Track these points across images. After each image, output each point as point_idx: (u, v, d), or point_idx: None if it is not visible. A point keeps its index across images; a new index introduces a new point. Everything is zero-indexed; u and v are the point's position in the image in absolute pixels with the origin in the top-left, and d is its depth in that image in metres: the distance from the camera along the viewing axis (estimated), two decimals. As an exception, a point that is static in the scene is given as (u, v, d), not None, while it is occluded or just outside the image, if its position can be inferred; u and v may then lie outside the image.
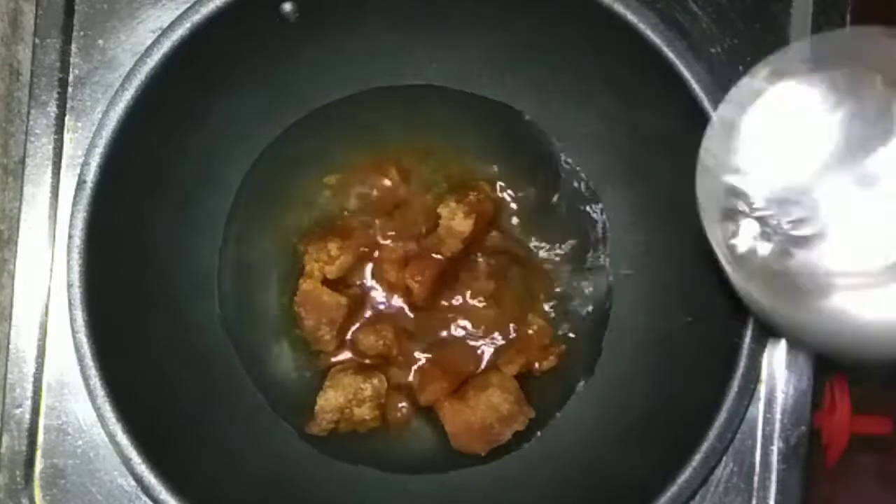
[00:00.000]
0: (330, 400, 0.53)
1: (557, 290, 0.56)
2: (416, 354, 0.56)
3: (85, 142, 0.47)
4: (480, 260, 0.56)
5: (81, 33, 0.48)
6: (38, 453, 0.47)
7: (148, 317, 0.50)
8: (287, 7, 0.49)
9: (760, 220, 0.33)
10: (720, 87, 0.47)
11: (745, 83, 0.35)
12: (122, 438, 0.45)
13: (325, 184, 0.56)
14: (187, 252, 0.53)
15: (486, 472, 0.53)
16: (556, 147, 0.56)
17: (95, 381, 0.45)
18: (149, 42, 0.47)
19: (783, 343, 0.47)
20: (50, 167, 0.47)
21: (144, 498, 0.46)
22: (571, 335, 0.55)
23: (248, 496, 0.49)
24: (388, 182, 0.56)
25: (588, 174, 0.55)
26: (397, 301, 0.56)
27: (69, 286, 0.46)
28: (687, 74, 0.46)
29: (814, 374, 0.47)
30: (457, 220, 0.54)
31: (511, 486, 0.53)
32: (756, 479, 0.46)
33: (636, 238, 0.54)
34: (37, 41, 0.47)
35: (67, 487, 0.46)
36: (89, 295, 0.46)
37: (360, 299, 0.56)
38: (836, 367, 0.51)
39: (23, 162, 0.47)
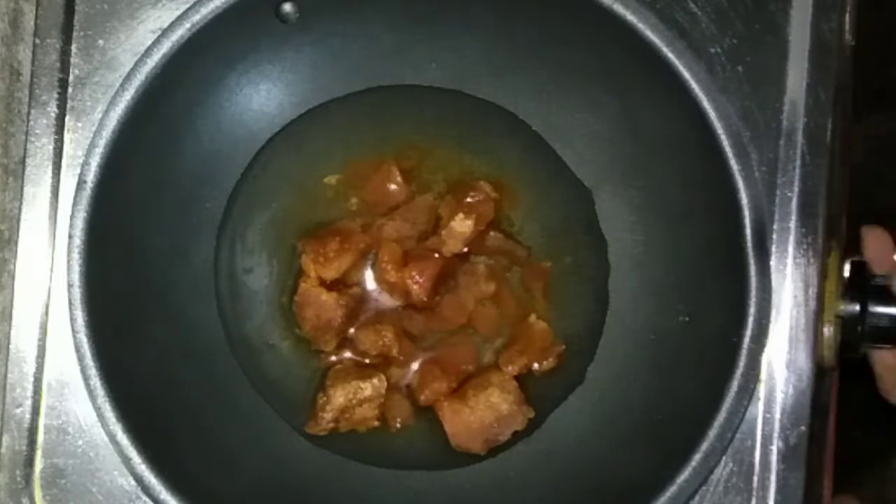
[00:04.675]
0: (330, 399, 0.53)
1: (557, 290, 0.56)
2: (416, 354, 0.56)
3: (85, 142, 0.47)
4: (480, 260, 0.56)
5: (81, 33, 0.48)
6: (38, 453, 0.47)
7: (148, 317, 0.50)
8: (287, 7, 0.49)
9: None
10: (720, 87, 0.47)
11: None
12: (122, 438, 0.45)
13: (325, 184, 0.56)
14: (187, 252, 0.53)
15: (486, 471, 0.53)
16: (555, 147, 0.56)
17: (95, 381, 0.45)
18: (149, 42, 0.47)
19: (783, 343, 0.47)
20: (50, 167, 0.47)
21: (144, 498, 0.46)
22: (571, 335, 0.55)
23: (247, 496, 0.50)
24: (388, 182, 0.56)
25: (587, 174, 0.55)
26: (397, 301, 0.56)
27: (69, 286, 0.46)
28: (687, 74, 0.46)
29: (813, 373, 0.47)
30: (457, 221, 0.54)
31: (511, 485, 0.53)
32: (755, 478, 0.46)
33: (636, 238, 0.54)
34: (37, 41, 0.47)
35: (67, 487, 0.47)
36: (89, 295, 0.46)
37: (360, 299, 0.56)
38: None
39: (23, 162, 0.47)
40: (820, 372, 0.47)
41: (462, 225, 0.54)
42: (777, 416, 0.47)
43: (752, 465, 0.46)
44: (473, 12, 0.51)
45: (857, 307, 0.48)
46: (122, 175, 0.47)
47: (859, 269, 0.50)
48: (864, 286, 0.49)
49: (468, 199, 0.55)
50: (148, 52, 0.46)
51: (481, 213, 0.55)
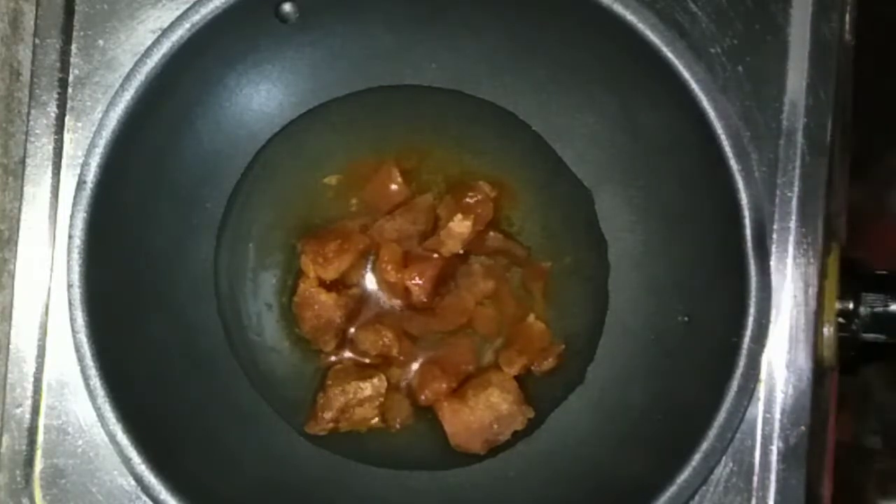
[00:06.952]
0: (330, 399, 0.53)
1: (557, 290, 0.56)
2: (416, 354, 0.56)
3: (85, 142, 0.47)
4: (480, 260, 0.56)
5: (81, 33, 0.48)
6: (38, 453, 0.47)
7: (148, 317, 0.50)
8: (287, 7, 0.49)
9: None
10: (720, 87, 0.47)
11: None
12: (122, 438, 0.45)
13: (325, 184, 0.56)
14: (187, 252, 0.53)
15: (486, 471, 0.53)
16: (555, 147, 0.56)
17: (95, 381, 0.45)
18: (149, 42, 0.47)
19: (783, 343, 0.47)
20: (50, 167, 0.47)
21: (144, 498, 0.46)
22: (571, 335, 0.55)
23: (247, 496, 0.50)
24: (388, 182, 0.56)
25: (587, 174, 0.55)
26: (397, 301, 0.56)
27: (69, 286, 0.46)
28: (686, 74, 0.46)
29: (813, 373, 0.47)
30: (455, 222, 0.54)
31: (510, 485, 0.53)
32: (755, 479, 0.46)
33: (636, 238, 0.54)
34: (37, 41, 0.47)
35: (67, 487, 0.47)
36: (89, 295, 0.46)
37: (360, 299, 0.56)
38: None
39: (23, 162, 0.47)
40: (820, 372, 0.48)
41: (460, 225, 0.54)
42: (777, 416, 0.47)
43: (752, 465, 0.46)
44: (473, 12, 0.51)
45: (852, 302, 0.48)
46: (122, 175, 0.47)
47: (853, 264, 0.50)
48: (858, 277, 0.49)
49: (467, 200, 0.55)
50: (148, 52, 0.46)
51: (480, 213, 0.55)
